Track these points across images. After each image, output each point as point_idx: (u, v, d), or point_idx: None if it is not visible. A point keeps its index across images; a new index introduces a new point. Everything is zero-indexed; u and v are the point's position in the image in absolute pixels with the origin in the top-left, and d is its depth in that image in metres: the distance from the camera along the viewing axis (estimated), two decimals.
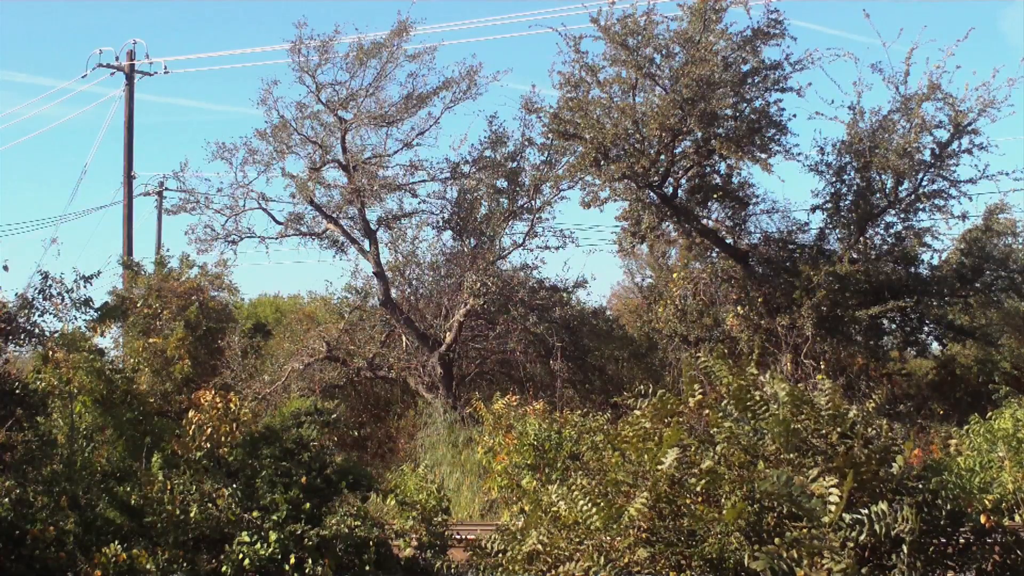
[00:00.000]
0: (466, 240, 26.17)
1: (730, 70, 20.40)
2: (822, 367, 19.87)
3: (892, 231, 22.18)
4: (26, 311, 14.38)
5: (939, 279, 21.76)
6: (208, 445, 13.38)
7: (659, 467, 8.25)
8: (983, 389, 22.49)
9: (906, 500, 7.81)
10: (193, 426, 13.58)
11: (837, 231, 22.34)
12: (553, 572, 8.51)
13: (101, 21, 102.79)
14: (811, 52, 20.81)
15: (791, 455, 8.08)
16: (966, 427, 15.75)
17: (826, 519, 7.48)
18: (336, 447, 15.35)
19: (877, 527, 7.44)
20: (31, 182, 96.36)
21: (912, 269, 22.16)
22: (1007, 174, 21.02)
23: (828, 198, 22.16)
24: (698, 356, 9.54)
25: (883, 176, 21.36)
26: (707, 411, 8.73)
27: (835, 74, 77.16)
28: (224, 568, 11.80)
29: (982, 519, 8.33)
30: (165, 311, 27.99)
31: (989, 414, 15.61)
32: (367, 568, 12.05)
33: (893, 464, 8.05)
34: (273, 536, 11.94)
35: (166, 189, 38.54)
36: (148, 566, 11.29)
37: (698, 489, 8.25)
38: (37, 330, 14.63)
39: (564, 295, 26.04)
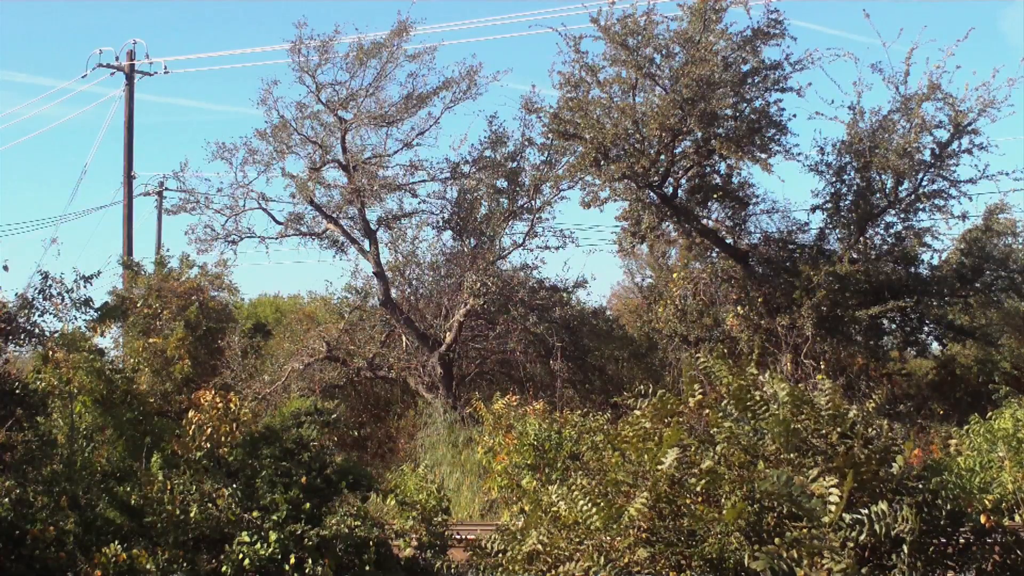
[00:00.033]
0: (466, 240, 26.17)
1: (730, 70, 20.40)
2: (822, 367, 19.88)
3: (892, 231, 22.19)
4: (26, 311, 14.38)
5: (939, 279, 21.76)
6: (208, 445, 13.38)
7: (659, 467, 8.25)
8: (983, 389, 22.49)
9: (906, 500, 7.81)
10: (193, 426, 13.58)
11: (837, 231, 22.34)
12: (553, 572, 8.51)
13: (101, 21, 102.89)
14: (811, 52, 20.85)
15: (791, 455, 8.08)
16: (966, 427, 15.74)
17: (826, 519, 7.48)
18: (336, 447, 15.37)
19: (877, 527, 7.44)
20: (31, 182, 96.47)
21: (912, 269, 22.16)
22: (1007, 174, 21.06)
23: (828, 198, 22.16)
24: (698, 356, 9.54)
25: (883, 176, 21.36)
26: (707, 411, 8.73)
27: (835, 74, 77.27)
28: (224, 568, 11.81)
29: (982, 519, 8.33)
30: (165, 311, 27.99)
31: (989, 414, 15.59)
32: (367, 568, 12.05)
33: (893, 464, 8.05)
34: (273, 536, 11.95)
35: (166, 189, 38.60)
36: (148, 566, 11.29)
37: (698, 489, 8.25)
38: (37, 330, 14.63)
39: (564, 295, 26.04)
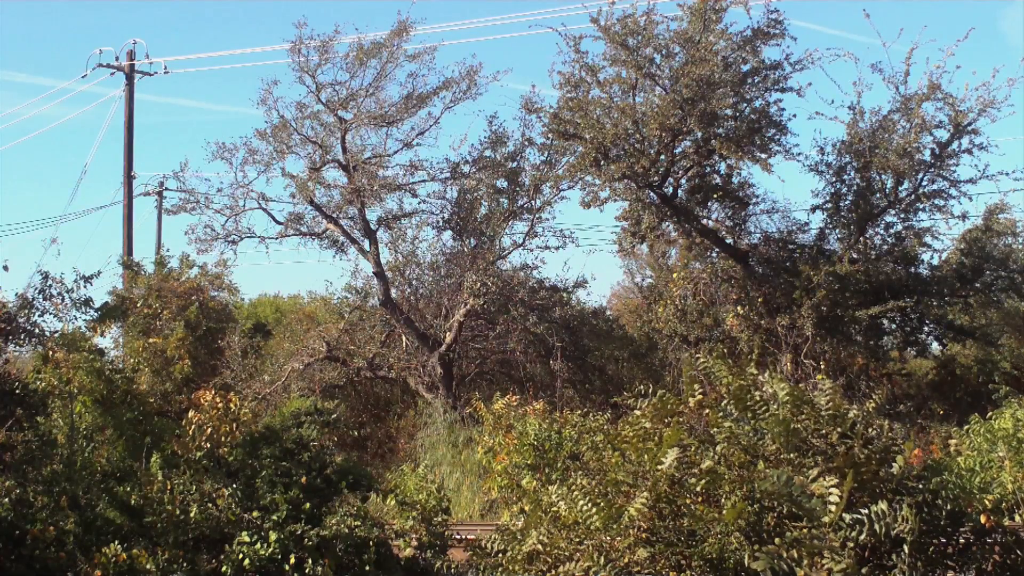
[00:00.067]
0: (466, 240, 26.17)
1: (730, 70, 20.40)
2: (822, 367, 19.88)
3: (892, 231, 22.19)
4: (26, 311, 14.39)
5: (939, 279, 21.76)
6: (208, 445, 13.38)
7: (659, 467, 8.25)
8: (983, 389, 22.49)
9: (906, 500, 7.80)
10: (193, 426, 13.57)
11: (837, 231, 22.34)
12: (553, 572, 8.51)
13: (101, 21, 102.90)
14: (811, 52, 20.85)
15: (791, 455, 8.08)
16: (966, 427, 15.74)
17: (826, 519, 7.48)
18: (336, 447, 15.37)
19: (877, 527, 7.44)
20: (31, 182, 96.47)
21: (912, 269, 22.16)
22: (1007, 174, 21.06)
23: (828, 198, 22.16)
24: (698, 356, 9.53)
25: (883, 176, 21.36)
26: (707, 411, 8.73)
27: (835, 74, 77.32)
28: (224, 568, 11.81)
29: (982, 519, 8.33)
30: (165, 311, 27.99)
31: (989, 414, 15.58)
32: (367, 568, 12.05)
33: (893, 464, 8.05)
34: (273, 536, 11.95)
35: (166, 189, 38.60)
36: (148, 566, 11.29)
37: (698, 489, 8.25)
38: (37, 330, 14.64)
39: (564, 295, 26.04)
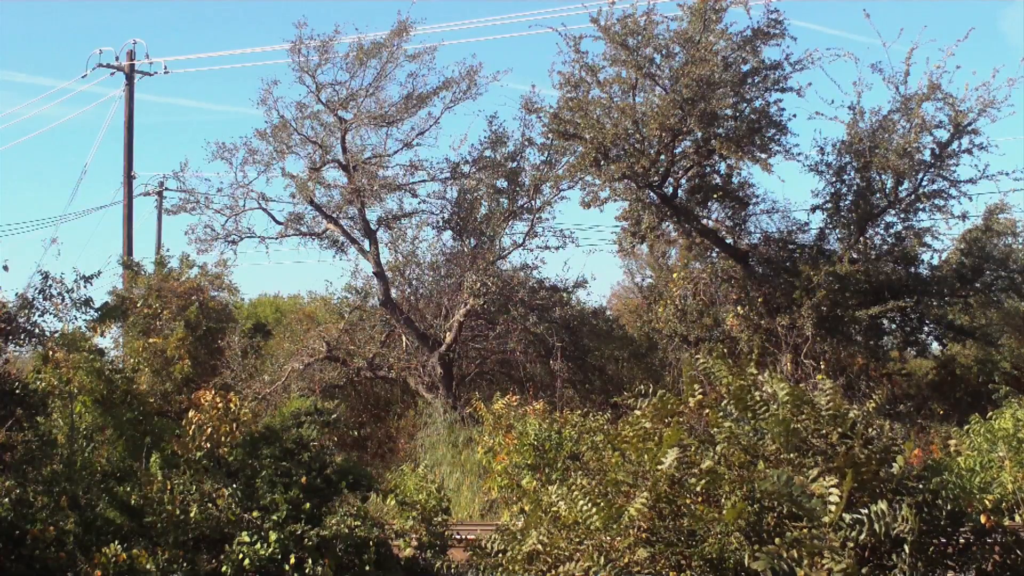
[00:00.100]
0: (466, 240, 26.17)
1: (730, 70, 20.39)
2: (822, 367, 19.88)
3: (892, 231, 22.18)
4: (26, 311, 14.40)
5: (939, 279, 21.76)
6: (208, 445, 13.38)
7: (659, 467, 8.25)
8: (983, 389, 22.48)
9: (906, 500, 7.80)
10: (193, 426, 13.58)
11: (837, 231, 22.34)
12: (553, 572, 8.51)
13: (101, 21, 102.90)
14: (811, 52, 20.83)
15: (791, 455, 8.08)
16: (966, 427, 15.75)
17: (826, 519, 7.48)
18: (336, 447, 15.37)
19: (877, 527, 7.44)
20: (31, 182, 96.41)
21: (912, 269, 22.16)
22: (1007, 174, 21.05)
23: (828, 198, 22.16)
24: (698, 356, 9.53)
25: (883, 176, 21.36)
26: (707, 411, 8.73)
27: (835, 74, 77.33)
28: (224, 568, 11.81)
29: (982, 519, 8.33)
30: (165, 311, 27.98)
31: (989, 414, 15.59)
32: (367, 568, 12.06)
33: (893, 464, 8.05)
34: (273, 536, 11.95)
35: (166, 189, 38.59)
36: (148, 566, 11.30)
37: (698, 489, 8.25)
38: (37, 330, 14.65)
39: (564, 295, 26.04)
